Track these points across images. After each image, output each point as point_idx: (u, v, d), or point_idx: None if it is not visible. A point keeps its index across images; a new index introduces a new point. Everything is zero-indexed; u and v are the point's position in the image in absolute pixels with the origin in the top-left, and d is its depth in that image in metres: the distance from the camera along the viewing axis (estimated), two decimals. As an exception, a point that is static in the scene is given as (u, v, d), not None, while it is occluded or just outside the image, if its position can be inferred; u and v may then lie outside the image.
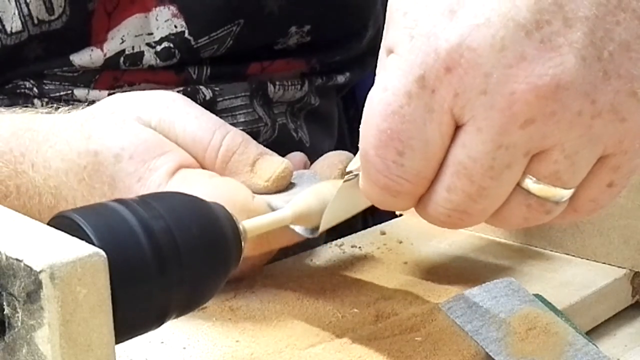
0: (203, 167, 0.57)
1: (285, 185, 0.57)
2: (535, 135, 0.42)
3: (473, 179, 0.43)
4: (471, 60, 0.41)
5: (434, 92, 0.42)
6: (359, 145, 0.46)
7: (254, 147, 0.58)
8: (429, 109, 0.43)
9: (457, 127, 0.43)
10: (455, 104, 0.42)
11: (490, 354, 0.51)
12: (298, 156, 0.64)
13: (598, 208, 0.47)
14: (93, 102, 0.72)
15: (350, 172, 0.51)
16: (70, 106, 0.63)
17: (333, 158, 0.62)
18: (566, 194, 0.45)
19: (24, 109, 0.63)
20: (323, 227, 0.54)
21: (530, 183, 0.44)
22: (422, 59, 0.42)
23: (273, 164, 0.57)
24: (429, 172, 0.44)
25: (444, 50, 0.42)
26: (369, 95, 0.45)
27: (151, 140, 0.56)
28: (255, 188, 0.56)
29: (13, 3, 0.70)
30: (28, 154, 0.59)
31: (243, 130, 0.77)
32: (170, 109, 0.58)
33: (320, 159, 0.62)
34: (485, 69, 0.41)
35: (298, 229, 0.55)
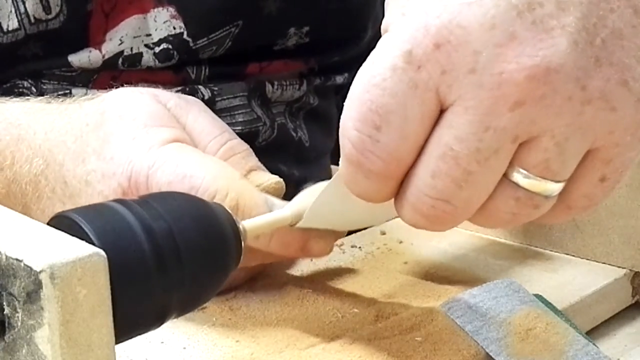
0: None
1: (275, 195, 0.56)
2: (524, 119, 0.41)
3: (459, 162, 0.42)
4: (460, 38, 0.41)
5: (420, 68, 0.42)
6: (341, 118, 0.45)
7: (255, 160, 0.58)
8: (413, 85, 0.42)
9: (442, 111, 0.42)
10: (442, 81, 0.41)
11: (491, 354, 0.51)
12: None
13: (592, 205, 0.46)
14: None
15: None
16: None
17: None
18: (555, 187, 0.44)
19: (41, 98, 0.64)
20: (307, 220, 0.53)
21: (519, 177, 0.43)
22: (411, 34, 0.42)
23: (266, 177, 0.57)
24: (404, 153, 0.43)
25: (434, 26, 0.41)
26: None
27: (160, 113, 0.57)
28: None
29: (10, 1, 0.70)
30: (34, 124, 0.59)
31: (242, 129, 0.78)
32: (189, 103, 0.60)
33: None
34: (474, 47, 0.41)
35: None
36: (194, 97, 0.62)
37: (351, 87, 0.44)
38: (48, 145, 0.58)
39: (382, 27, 0.45)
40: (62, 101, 0.62)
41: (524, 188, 0.43)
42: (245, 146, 0.59)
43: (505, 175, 0.43)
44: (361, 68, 0.44)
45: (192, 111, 0.59)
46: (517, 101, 0.41)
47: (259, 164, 0.59)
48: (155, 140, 0.55)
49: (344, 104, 0.45)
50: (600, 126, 0.42)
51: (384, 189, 0.45)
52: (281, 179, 0.57)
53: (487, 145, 0.42)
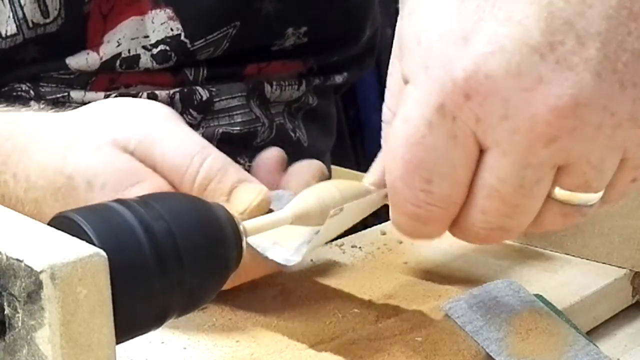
0: (180, 191, 0.56)
1: (262, 213, 0.53)
2: (560, 151, 0.43)
3: (505, 199, 0.44)
4: (489, 87, 0.42)
5: (455, 119, 0.43)
6: (386, 178, 0.47)
7: (232, 175, 0.55)
8: (452, 135, 0.43)
9: (481, 151, 0.44)
10: (477, 129, 0.43)
11: (491, 354, 0.51)
12: (274, 152, 0.61)
13: (624, 198, 0.48)
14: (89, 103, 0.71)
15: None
16: (56, 108, 0.62)
17: (303, 170, 0.60)
18: (597, 196, 0.46)
19: (7, 108, 0.62)
20: (307, 253, 0.53)
21: (562, 194, 0.45)
22: (440, 87, 0.43)
23: (249, 195, 0.54)
24: (459, 195, 0.45)
25: (461, 79, 0.42)
26: (390, 131, 0.46)
27: (125, 169, 0.54)
28: None
29: (8, 6, 0.70)
30: (10, 163, 0.57)
31: (240, 130, 0.78)
32: (152, 130, 0.56)
33: (290, 172, 0.60)
34: (503, 94, 0.42)
35: (277, 258, 0.53)
36: (157, 114, 0.57)
37: (387, 146, 0.46)
38: (31, 195, 0.56)
39: (402, 76, 0.45)
40: (35, 110, 0.61)
41: (568, 203, 0.45)
42: (219, 162, 0.55)
43: (550, 195, 0.45)
44: (393, 126, 0.45)
45: (157, 142, 0.55)
46: (551, 138, 0.42)
47: (237, 174, 0.55)
48: None
49: (385, 165, 0.47)
50: (630, 141, 0.44)
51: (441, 229, 0.48)
52: (263, 191, 0.54)
53: (528, 180, 0.43)
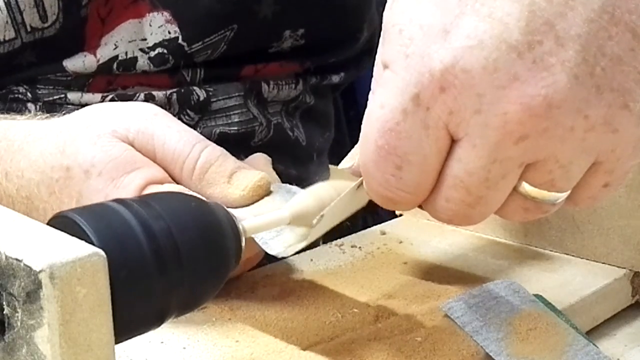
0: (180, 179, 0.56)
1: (262, 196, 0.57)
2: (529, 149, 0.43)
3: (470, 191, 0.45)
4: (465, 81, 0.42)
5: (429, 109, 0.43)
6: (359, 159, 0.47)
7: (232, 161, 0.58)
8: (425, 126, 0.44)
9: (453, 141, 0.44)
10: (450, 121, 0.43)
11: (491, 354, 0.51)
12: (261, 158, 0.63)
13: (596, 202, 0.48)
14: (86, 105, 0.71)
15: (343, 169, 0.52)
16: (49, 114, 0.63)
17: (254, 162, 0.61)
18: (562, 196, 0.46)
19: (1, 115, 0.63)
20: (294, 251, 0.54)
21: (527, 188, 0.45)
22: (417, 78, 0.43)
23: (249, 175, 0.57)
24: (428, 183, 0.46)
25: (438, 71, 0.43)
26: (366, 111, 0.46)
27: (122, 156, 0.55)
28: (232, 199, 0.56)
29: (5, 12, 0.70)
30: (2, 162, 0.58)
31: (238, 130, 0.78)
32: (150, 122, 0.57)
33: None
34: (478, 89, 0.42)
35: (257, 237, 0.54)
36: (154, 110, 0.59)
37: (363, 128, 0.46)
38: (23, 193, 0.57)
39: (382, 61, 0.46)
40: (28, 118, 0.62)
41: (532, 199, 0.46)
42: (218, 151, 0.57)
43: (515, 188, 0.45)
44: (369, 109, 0.46)
45: (156, 132, 0.57)
46: (522, 136, 0.42)
47: (236, 162, 0.57)
48: (128, 194, 0.54)
49: (359, 145, 0.47)
50: (603, 146, 0.44)
51: (410, 208, 0.49)
52: (263, 173, 0.57)
53: (494, 174, 0.44)
